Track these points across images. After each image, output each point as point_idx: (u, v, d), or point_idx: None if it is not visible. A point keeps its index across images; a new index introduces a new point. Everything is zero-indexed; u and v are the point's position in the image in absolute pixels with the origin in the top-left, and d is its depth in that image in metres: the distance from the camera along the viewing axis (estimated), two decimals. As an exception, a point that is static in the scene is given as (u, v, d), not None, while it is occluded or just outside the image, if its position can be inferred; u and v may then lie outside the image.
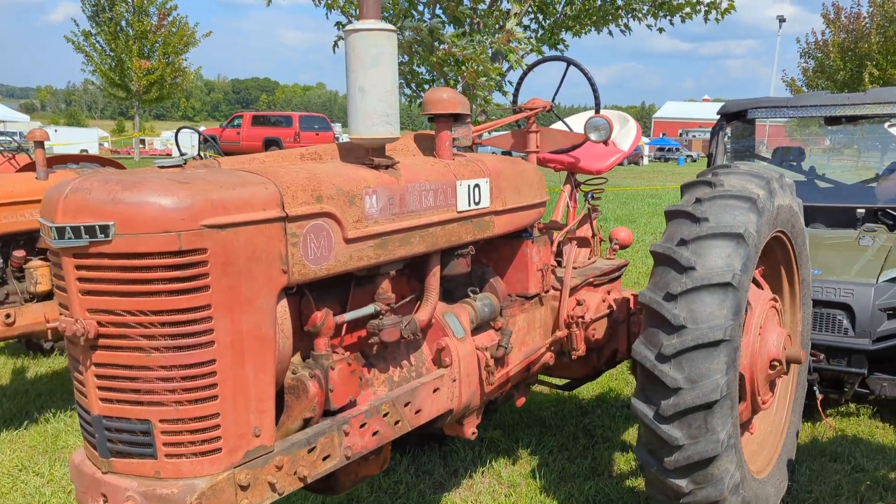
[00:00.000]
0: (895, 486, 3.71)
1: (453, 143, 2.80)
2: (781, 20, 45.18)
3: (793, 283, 3.68)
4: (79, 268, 1.81)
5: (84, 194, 1.79)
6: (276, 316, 2.01)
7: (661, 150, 53.23)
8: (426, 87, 7.46)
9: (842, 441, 4.27)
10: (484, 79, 6.41)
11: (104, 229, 1.75)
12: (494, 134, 3.87)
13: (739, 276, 2.78)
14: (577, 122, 3.92)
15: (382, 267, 2.41)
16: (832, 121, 5.58)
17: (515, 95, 3.91)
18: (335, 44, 8.04)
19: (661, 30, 8.36)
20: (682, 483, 2.83)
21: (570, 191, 4.02)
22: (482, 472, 3.87)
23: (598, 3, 8.15)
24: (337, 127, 39.08)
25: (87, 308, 1.82)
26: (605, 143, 3.57)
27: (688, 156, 50.47)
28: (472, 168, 2.78)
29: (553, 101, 3.64)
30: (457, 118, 2.77)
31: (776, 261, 3.57)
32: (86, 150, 32.90)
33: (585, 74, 3.58)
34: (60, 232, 1.78)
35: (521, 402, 3.48)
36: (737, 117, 5.82)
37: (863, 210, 5.19)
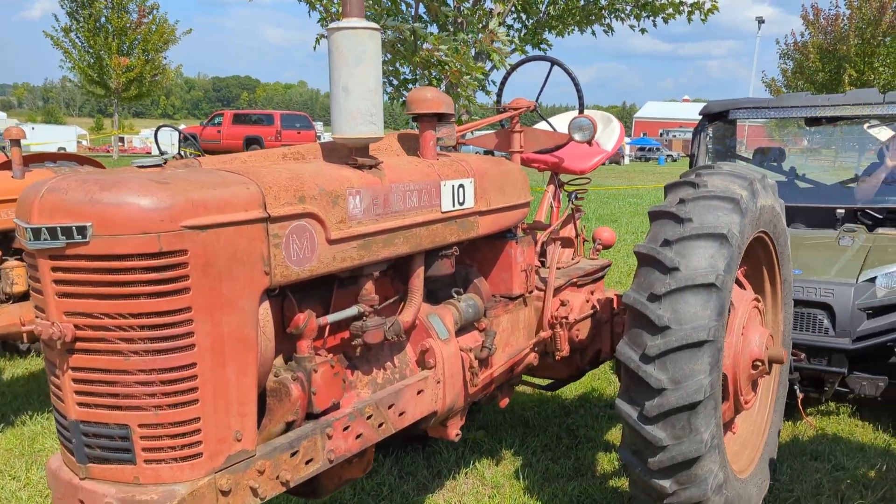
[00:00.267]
0: (875, 484, 3.75)
1: (437, 143, 2.78)
2: (760, 21, 45.54)
3: (774, 284, 3.70)
4: (55, 269, 1.76)
5: (61, 194, 1.75)
6: (257, 318, 1.98)
7: (641, 149, 53.56)
8: (409, 86, 7.44)
9: (822, 440, 4.31)
10: (467, 77, 6.40)
11: (81, 230, 1.71)
12: (478, 133, 3.85)
13: (723, 276, 2.79)
14: (560, 122, 3.92)
15: (366, 268, 2.38)
16: (812, 122, 5.63)
17: (499, 95, 3.89)
18: (317, 41, 8.00)
19: (643, 30, 8.39)
20: (666, 483, 2.84)
21: (553, 191, 4.02)
22: (466, 473, 3.86)
23: (582, 3, 8.17)
24: (319, 125, 38.91)
25: (64, 311, 1.78)
26: (589, 143, 3.57)
27: (668, 155, 50.85)
28: (456, 168, 2.76)
29: (537, 100, 3.63)
30: (441, 118, 2.75)
31: (758, 261, 3.59)
32: (64, 149, 32.49)
33: (569, 74, 3.58)
34: (36, 233, 1.74)
35: (504, 402, 3.47)
36: (718, 118, 5.86)
37: (843, 210, 5.24)
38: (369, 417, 2.38)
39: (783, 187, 5.82)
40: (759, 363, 3.25)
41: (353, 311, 2.37)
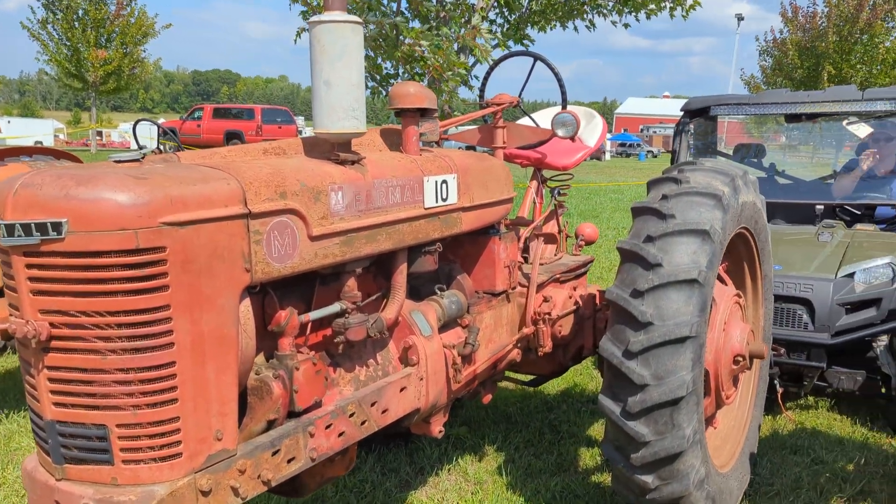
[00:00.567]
0: (854, 477, 3.79)
1: (420, 139, 2.76)
2: (740, 18, 45.94)
3: (755, 279, 3.72)
4: (30, 266, 1.73)
5: (35, 189, 1.71)
6: (238, 316, 1.95)
7: (622, 145, 53.75)
8: (391, 81, 7.40)
9: (802, 434, 4.35)
10: (449, 73, 6.37)
11: (56, 226, 1.67)
12: (461, 129, 3.83)
13: (705, 272, 2.79)
14: (543, 118, 3.91)
15: (348, 265, 2.36)
16: (793, 118, 5.67)
17: (482, 91, 3.88)
18: (298, 35, 7.92)
19: (626, 25, 8.41)
20: (648, 479, 2.84)
21: (536, 187, 4.01)
22: (448, 470, 3.85)
23: (564, -1, 8.18)
24: (300, 120, 38.66)
25: (39, 309, 1.74)
26: (572, 138, 3.56)
27: (648, 151, 51.09)
28: (439, 164, 2.74)
29: (520, 96, 3.62)
30: (423, 113, 2.73)
31: (739, 257, 3.61)
32: (40, 143, 32.02)
33: (552, 69, 3.57)
34: (10, 229, 1.70)
35: (487, 399, 3.46)
36: (700, 114, 5.88)
37: (822, 206, 5.28)
38: (352, 415, 2.36)
39: (763, 183, 5.87)
40: (741, 358, 3.27)
41: (335, 308, 2.35)
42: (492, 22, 8.43)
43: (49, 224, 1.67)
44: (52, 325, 1.73)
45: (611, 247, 10.06)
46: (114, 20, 34.17)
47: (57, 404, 1.80)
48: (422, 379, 2.68)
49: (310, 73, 2.28)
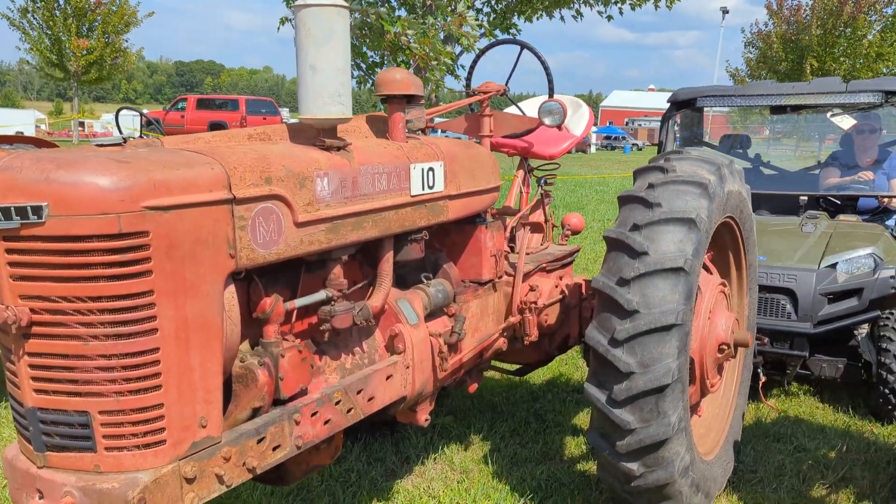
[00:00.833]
0: (835, 464, 3.83)
1: (406, 126, 2.75)
2: (725, 11, 46.08)
3: (740, 268, 3.74)
4: (9, 251, 1.70)
5: (14, 173, 1.68)
6: (223, 302, 1.94)
7: (607, 138, 53.92)
8: (377, 70, 7.37)
9: (785, 422, 4.39)
10: (435, 62, 6.34)
11: (36, 210, 1.65)
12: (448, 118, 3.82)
13: (691, 261, 2.80)
14: (530, 107, 3.90)
15: (334, 252, 2.35)
16: (777, 110, 5.70)
17: (469, 79, 3.86)
18: (281, 23, 7.86)
19: (609, 17, 8.41)
20: (634, 466, 2.86)
21: (523, 176, 4.01)
22: (434, 459, 3.85)
23: (551, -12, 8.16)
24: (285, 111, 38.40)
25: (20, 294, 1.72)
26: (559, 127, 3.56)
27: (633, 144, 51.27)
28: (425, 151, 2.73)
29: (506, 84, 3.61)
30: (410, 100, 2.71)
31: (725, 246, 3.62)
32: (22, 133, 31.62)
33: (539, 58, 3.56)
34: (-11, 213, 1.67)
35: (473, 388, 3.46)
36: (686, 105, 5.90)
37: (805, 197, 5.32)
38: (338, 403, 2.35)
39: (748, 174, 5.90)
40: (725, 347, 3.28)
41: (321, 295, 2.34)
42: (478, 11, 8.41)
43: (29, 208, 1.65)
44: (32, 310, 1.71)
45: (597, 238, 10.09)
46: (95, 9, 33.77)
47: (38, 391, 1.77)
48: (408, 367, 2.67)
49: (295, 59, 2.26)
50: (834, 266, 4.45)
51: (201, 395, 1.89)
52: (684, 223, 2.85)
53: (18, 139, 5.72)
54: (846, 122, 6.08)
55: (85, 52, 33.82)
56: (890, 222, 5.14)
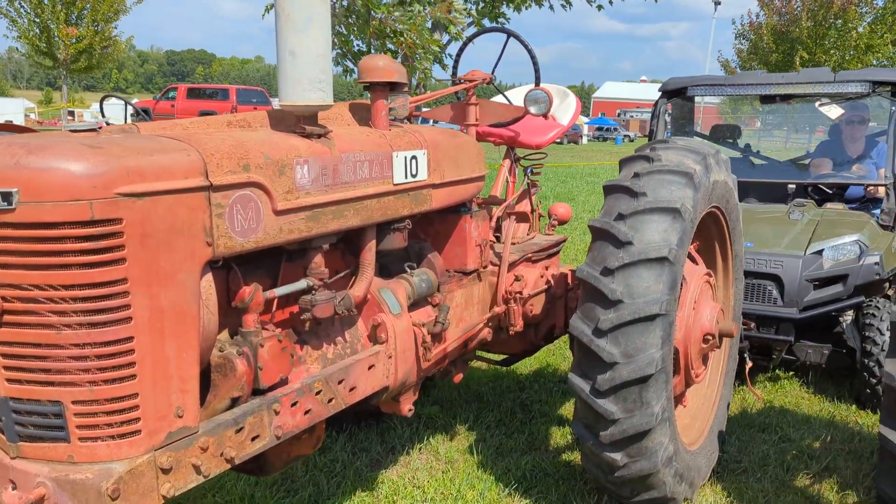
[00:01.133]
0: (819, 454, 3.84)
1: (390, 114, 2.72)
2: (717, 3, 46.07)
3: (726, 258, 3.74)
4: (-21, 239, 1.67)
5: (-17, 158, 1.64)
6: (199, 291, 1.91)
7: (599, 129, 53.93)
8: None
9: (770, 412, 4.40)
10: (422, 51, 6.29)
11: (6, 196, 1.62)
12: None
13: (676, 250, 2.79)
14: (516, 96, 3.87)
15: (315, 240, 2.32)
16: (767, 99, 5.72)
17: (455, 67, 3.82)
18: (266, 10, 7.77)
19: (599, 7, 8.36)
20: (617, 456, 2.86)
21: (509, 165, 3.98)
22: (419, 449, 3.84)
23: (540, -25, 8.12)
24: (275, 101, 38.19)
25: (-10, 282, 1.68)
26: (545, 116, 3.53)
27: (625, 135, 51.31)
28: (409, 139, 2.70)
29: (493, 73, 3.57)
30: (393, 87, 2.68)
31: (710, 236, 3.62)
32: (10, 122, 31.34)
33: (525, 46, 3.53)
34: (-43, 199, 1.64)
35: (458, 378, 3.45)
36: (677, 94, 5.92)
37: (794, 186, 5.36)
38: (318, 393, 2.33)
39: (738, 163, 5.94)
40: (710, 337, 3.28)
41: (301, 284, 2.31)
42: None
43: (-1, 194, 1.62)
44: (3, 298, 1.68)
45: (585, 229, 10.06)
46: (84, -4, 33.44)
47: (10, 380, 1.75)
48: (390, 357, 2.66)
49: (275, 45, 2.23)
50: (820, 253, 4.52)
51: (177, 384, 1.87)
52: (669, 213, 2.84)
53: (4, 127, 5.66)
54: (834, 111, 6.10)
55: (74, 40, 33.48)
56: (876, 211, 5.17)
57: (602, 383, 2.78)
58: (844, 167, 5.56)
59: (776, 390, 4.82)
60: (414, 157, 2.69)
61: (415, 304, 2.86)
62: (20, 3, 32.72)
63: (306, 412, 2.29)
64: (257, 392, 2.17)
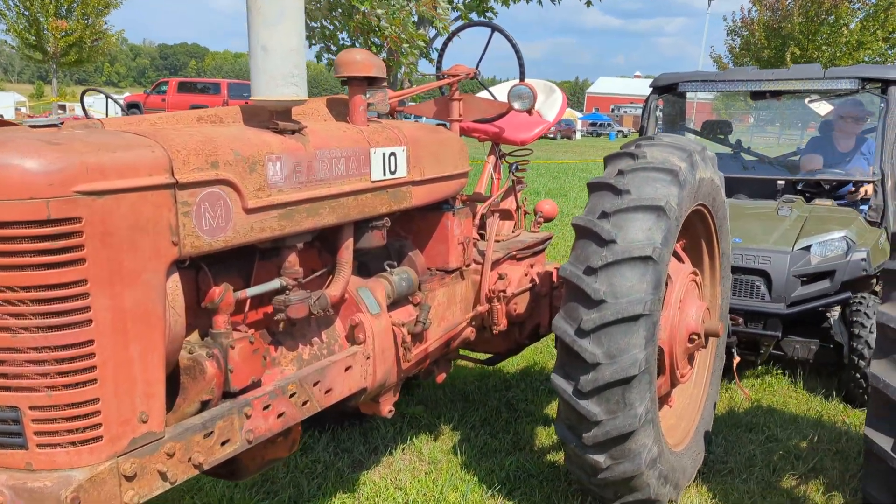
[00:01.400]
0: (806, 455, 3.81)
1: (368, 109, 2.66)
2: (710, -1, 46.10)
3: (713, 257, 3.70)
4: (-69, 238, 1.60)
5: (-66, 155, 1.58)
6: (165, 292, 1.85)
7: (593, 125, 53.94)
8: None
9: (757, 412, 4.37)
10: (407, 45, 6.22)
11: (-42, 195, 1.55)
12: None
13: (660, 249, 2.75)
14: (501, 92, 3.82)
15: (288, 239, 2.26)
16: (757, 95, 5.72)
17: (439, 61, 3.76)
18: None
19: (588, 3, 8.30)
20: (600, 458, 2.81)
21: (494, 162, 3.93)
22: (403, 449, 3.79)
23: (528, -31, 8.04)
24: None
25: (-58, 283, 1.62)
26: (529, 112, 3.48)
27: (619, 131, 51.31)
28: (387, 135, 2.64)
29: (477, 68, 3.52)
30: (372, 82, 2.62)
31: (697, 234, 3.57)
32: (1, 116, 31.08)
33: (510, 40, 3.47)
34: None
35: (441, 378, 3.40)
36: (668, 90, 5.91)
37: (783, 182, 5.35)
38: (292, 395, 2.27)
39: (729, 159, 5.93)
40: (696, 337, 3.24)
41: (275, 284, 2.26)
42: (454, -7, 8.30)
43: (-50, 192, 1.55)
44: (-43, 300, 1.62)
45: (577, 225, 10.03)
46: (74, -11, 33.15)
47: (-35, 385, 1.68)
48: (368, 358, 2.60)
49: (247, 38, 2.17)
50: (808, 248, 4.54)
51: (141, 388, 1.81)
52: (653, 211, 2.79)
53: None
54: (823, 107, 6.10)
55: (64, 33, 33.20)
56: (864, 207, 5.16)
57: (585, 384, 2.73)
58: (834, 164, 5.54)
59: (763, 389, 4.79)
60: (393, 154, 2.63)
61: (395, 304, 2.80)
62: (9, -4, 32.43)
63: (279, 415, 2.24)
64: (228, 395, 2.11)
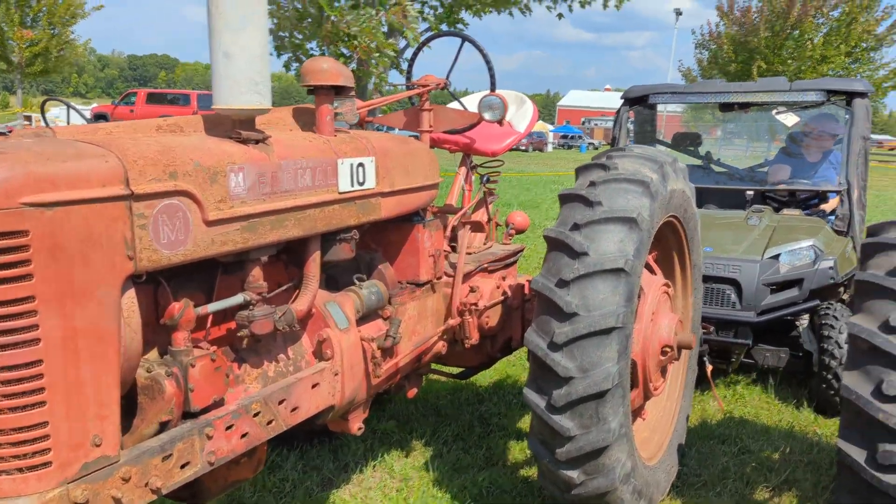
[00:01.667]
0: (779, 466, 3.80)
1: (336, 119, 2.60)
2: (678, 13, 46.98)
3: (684, 268, 3.68)
4: None
5: None
6: (120, 308, 1.76)
7: (564, 137, 54.39)
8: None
9: (730, 423, 4.36)
10: (377, 55, 6.17)
11: None
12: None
13: (632, 261, 2.72)
14: (473, 102, 3.78)
15: (252, 252, 2.19)
16: (726, 107, 5.80)
17: (409, 71, 3.72)
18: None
19: (560, 15, 8.34)
20: (574, 474, 2.76)
21: (465, 173, 3.88)
22: (374, 466, 3.71)
23: (498, -18, 8.06)
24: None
25: None
26: (500, 122, 3.44)
27: (590, 143, 51.80)
28: (355, 145, 2.58)
29: (447, 78, 3.48)
30: (339, 91, 2.56)
31: (668, 245, 3.56)
32: (-42, 126, 30.40)
33: (481, 51, 3.44)
34: None
35: (412, 393, 3.34)
36: (639, 102, 5.95)
37: (752, 192, 5.42)
38: (257, 414, 2.19)
39: (699, 170, 6.00)
40: (669, 349, 3.21)
41: (238, 299, 2.18)
42: (423, 2, 8.27)
43: None
44: None
45: (549, 237, 10.03)
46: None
47: None
48: (336, 374, 2.53)
49: (208, 44, 2.10)
50: (777, 257, 4.61)
51: (94, 410, 1.72)
52: (625, 222, 2.76)
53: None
54: (790, 119, 6.19)
55: (29, 42, 32.64)
56: (832, 217, 5.24)
57: (558, 399, 2.68)
58: (803, 174, 5.62)
59: (735, 400, 4.79)
60: (361, 165, 2.57)
61: (364, 318, 2.73)
62: (-27, 5, 31.83)
63: (243, 436, 2.15)
64: (189, 415, 2.03)
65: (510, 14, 8.27)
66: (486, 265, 3.53)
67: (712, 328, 4.54)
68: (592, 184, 2.91)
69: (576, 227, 2.79)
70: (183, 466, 1.96)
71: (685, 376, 3.76)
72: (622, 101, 6.05)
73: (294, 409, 2.35)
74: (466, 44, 3.55)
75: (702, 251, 3.85)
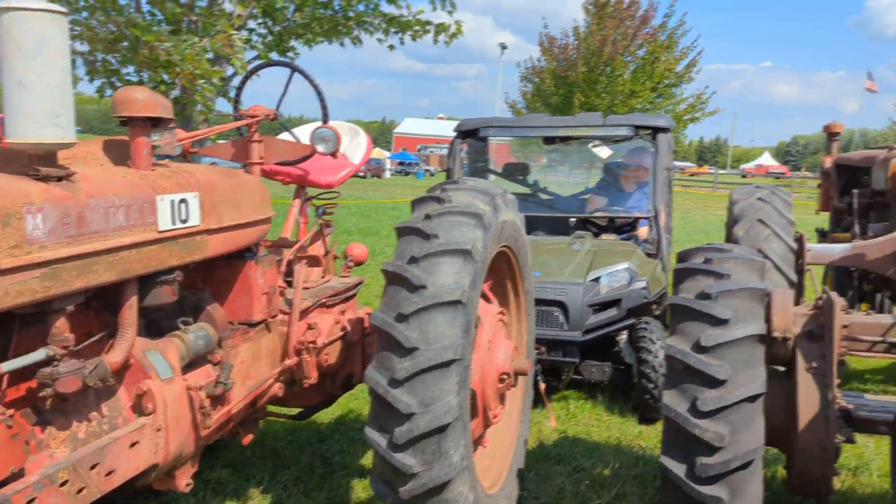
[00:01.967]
0: (610, 482, 3.98)
1: (154, 152, 2.41)
2: (503, 47, 49.47)
3: (518, 295, 3.79)
4: None
5: None
6: None
7: (401, 164, 55.16)
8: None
9: (564, 443, 4.52)
10: (202, 82, 5.90)
11: None
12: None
13: (468, 292, 2.74)
14: (304, 133, 3.69)
15: (55, 302, 1.96)
16: (549, 140, 6.17)
17: (237, 101, 3.57)
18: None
19: (391, 47, 8.43)
20: (418, 512, 2.71)
21: (299, 205, 3.77)
22: (207, 522, 3.46)
23: (329, 13, 8.00)
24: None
25: None
26: (334, 155, 3.38)
27: (426, 170, 52.93)
28: (176, 180, 2.41)
29: (277, 109, 3.37)
30: (157, 122, 2.39)
31: (502, 274, 3.64)
32: None
33: (311, 82, 3.37)
34: None
35: (247, 439, 3.16)
36: (470, 135, 6.18)
37: (574, 219, 5.79)
38: (64, 483, 1.95)
39: (528, 199, 6.31)
40: (506, 376, 3.27)
41: (39, 355, 1.94)
42: (251, 31, 8.06)
43: None
44: None
45: (387, 265, 10.03)
46: None
47: None
48: (159, 430, 2.32)
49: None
50: (597, 280, 4.97)
51: None
52: (461, 255, 2.78)
53: None
54: (605, 152, 6.71)
55: None
56: (644, 242, 5.71)
57: (400, 436, 2.63)
58: (619, 202, 6.07)
59: (568, 419, 4.99)
60: (183, 201, 2.40)
61: (191, 365, 2.54)
62: None
63: (48, 509, 1.90)
64: (-20, 492, 1.77)
65: (341, 44, 8.25)
66: (324, 300, 3.43)
67: (543, 348, 4.80)
68: (428, 217, 2.92)
69: (413, 260, 2.77)
70: (-29, 554, 1.70)
71: (522, 401, 3.85)
72: (455, 133, 6.24)
73: (109, 474, 2.12)
74: (297, 73, 3.47)
75: (532, 276, 3.99)
